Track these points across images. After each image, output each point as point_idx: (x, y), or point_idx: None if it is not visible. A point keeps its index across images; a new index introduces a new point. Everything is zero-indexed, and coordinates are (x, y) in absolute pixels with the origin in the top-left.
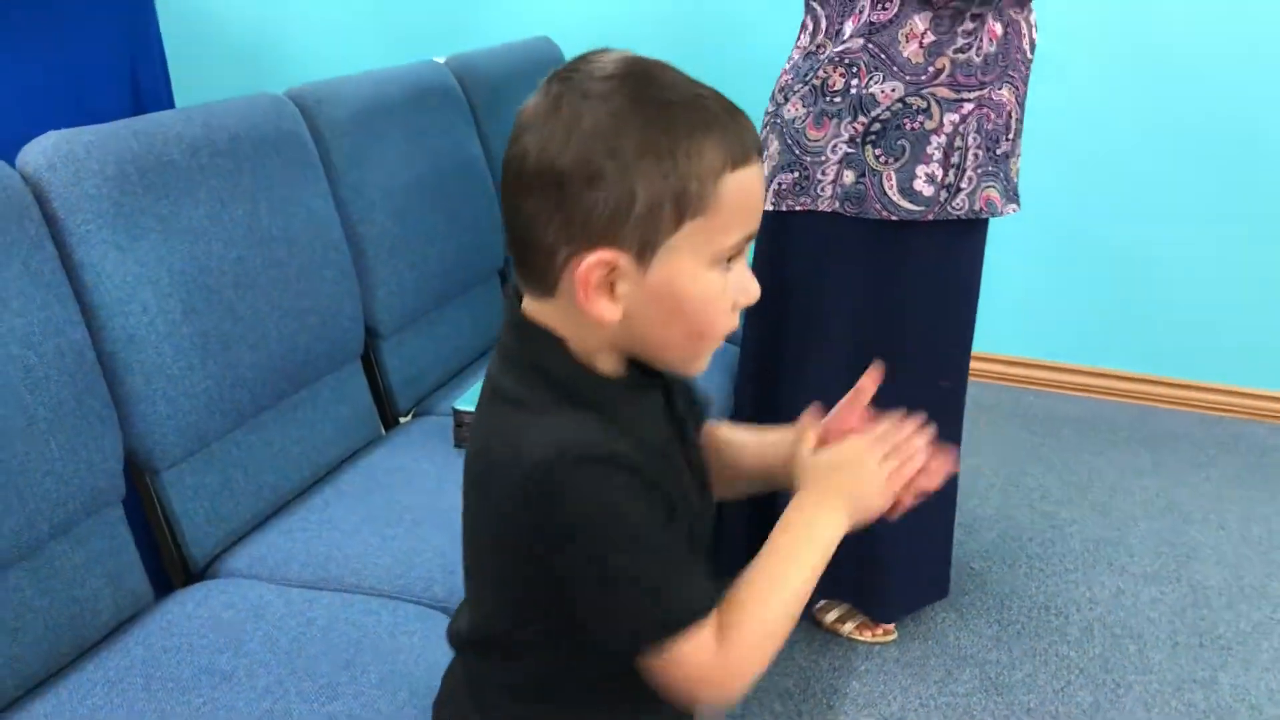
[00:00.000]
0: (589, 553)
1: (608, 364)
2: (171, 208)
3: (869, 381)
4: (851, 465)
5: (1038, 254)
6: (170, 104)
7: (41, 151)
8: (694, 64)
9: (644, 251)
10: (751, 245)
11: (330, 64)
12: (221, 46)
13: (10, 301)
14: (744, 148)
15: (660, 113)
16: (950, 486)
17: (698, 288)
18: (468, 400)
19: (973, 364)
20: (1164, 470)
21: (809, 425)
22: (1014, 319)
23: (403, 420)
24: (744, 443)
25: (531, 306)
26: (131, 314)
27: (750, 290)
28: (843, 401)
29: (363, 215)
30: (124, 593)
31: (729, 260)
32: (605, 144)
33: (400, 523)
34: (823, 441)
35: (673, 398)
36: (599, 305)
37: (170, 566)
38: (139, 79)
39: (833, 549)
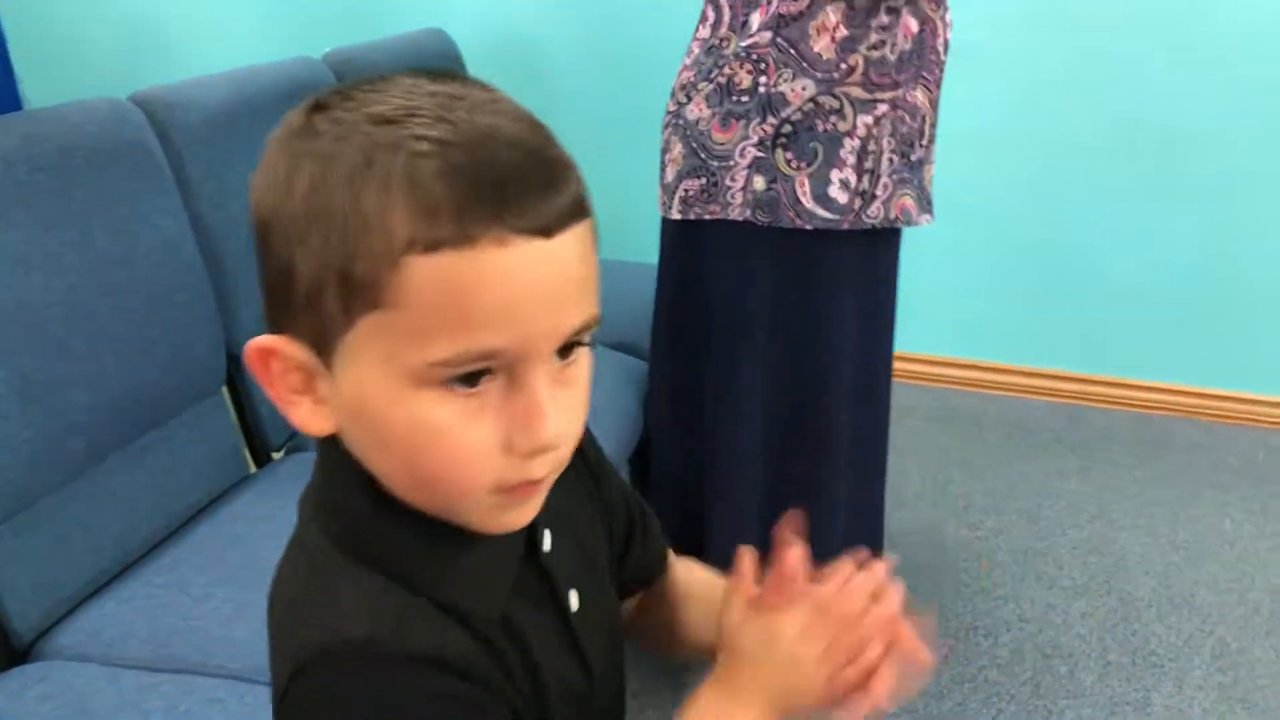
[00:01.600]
0: None
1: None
2: None
3: (788, 532)
4: (777, 654)
5: (962, 249)
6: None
7: None
8: (596, 55)
9: (321, 346)
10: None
11: (212, 64)
12: (88, 49)
13: None
14: (459, 226)
15: (362, 157)
16: (879, 499)
17: (398, 414)
18: None
19: (896, 364)
20: (1091, 473)
21: (740, 581)
22: (939, 317)
23: (276, 456)
24: (688, 594)
25: None
26: None
27: (534, 432)
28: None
29: (223, 231)
30: None
31: (471, 379)
32: (276, 195)
33: (258, 585)
34: (759, 603)
35: (538, 545)
36: (297, 409)
37: None
38: None
39: None
